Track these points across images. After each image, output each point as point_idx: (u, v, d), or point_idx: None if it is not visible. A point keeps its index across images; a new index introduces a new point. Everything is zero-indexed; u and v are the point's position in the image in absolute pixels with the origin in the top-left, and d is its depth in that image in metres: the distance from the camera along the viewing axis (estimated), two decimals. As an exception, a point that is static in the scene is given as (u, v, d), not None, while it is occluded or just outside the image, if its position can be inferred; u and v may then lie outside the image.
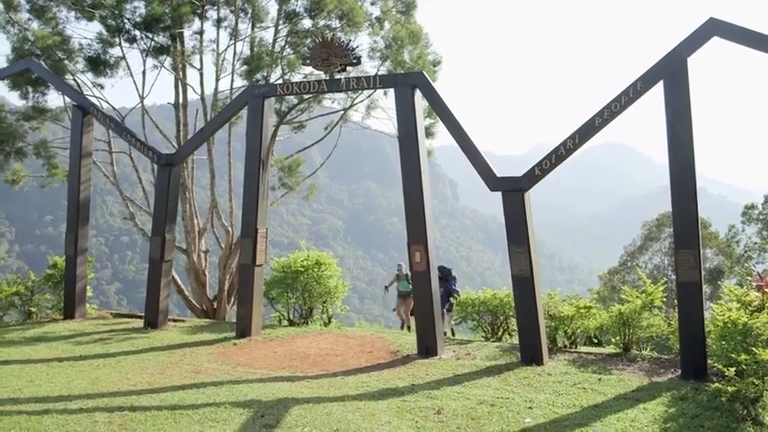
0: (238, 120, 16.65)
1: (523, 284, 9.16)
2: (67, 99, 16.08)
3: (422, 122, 10.33)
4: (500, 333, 11.17)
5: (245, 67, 16.43)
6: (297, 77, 15.93)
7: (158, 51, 17.40)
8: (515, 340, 10.31)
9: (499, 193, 9.34)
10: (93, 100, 15.57)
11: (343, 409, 7.13)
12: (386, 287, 13.90)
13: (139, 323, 12.80)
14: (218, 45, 17.44)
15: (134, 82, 17.77)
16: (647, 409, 6.96)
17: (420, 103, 10.17)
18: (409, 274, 11.95)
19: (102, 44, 17.10)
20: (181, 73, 17.91)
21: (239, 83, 17.30)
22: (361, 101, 17.53)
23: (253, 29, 17.58)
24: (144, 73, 17.77)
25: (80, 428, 6.59)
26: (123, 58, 17.49)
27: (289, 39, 17.02)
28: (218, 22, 17.44)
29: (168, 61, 17.64)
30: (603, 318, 9.80)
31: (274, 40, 17.18)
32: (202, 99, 17.90)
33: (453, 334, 12.32)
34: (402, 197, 10.01)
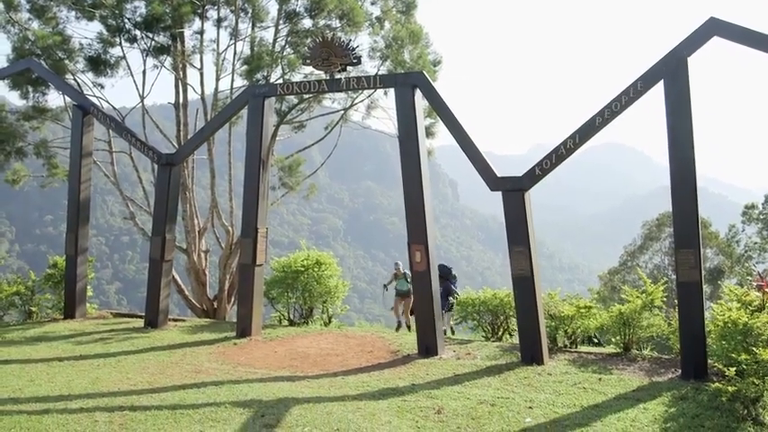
0: (238, 119, 16.66)
1: (524, 284, 9.17)
2: (68, 99, 16.08)
3: (422, 122, 10.34)
4: (500, 333, 11.18)
5: (245, 67, 16.43)
6: (297, 77, 15.93)
7: (159, 51, 17.41)
8: (515, 340, 10.32)
9: (499, 193, 9.35)
10: (94, 100, 15.59)
11: (344, 408, 7.13)
12: (385, 286, 13.87)
13: (140, 323, 12.81)
14: (218, 45, 17.47)
15: (134, 82, 17.80)
16: (648, 408, 6.97)
17: (420, 102, 10.17)
18: (407, 272, 11.93)
19: (103, 44, 17.10)
20: (181, 73, 17.91)
21: (239, 83, 17.34)
22: (362, 101, 17.53)
23: (253, 29, 17.60)
24: (144, 73, 17.83)
25: (80, 428, 6.59)
26: (123, 57, 17.52)
27: (289, 38, 17.02)
28: (219, 21, 17.45)
29: (168, 61, 17.65)
30: (604, 318, 9.81)
31: (274, 40, 17.18)
32: (202, 99, 17.91)
33: (453, 333, 12.33)
34: (402, 197, 10.02)
